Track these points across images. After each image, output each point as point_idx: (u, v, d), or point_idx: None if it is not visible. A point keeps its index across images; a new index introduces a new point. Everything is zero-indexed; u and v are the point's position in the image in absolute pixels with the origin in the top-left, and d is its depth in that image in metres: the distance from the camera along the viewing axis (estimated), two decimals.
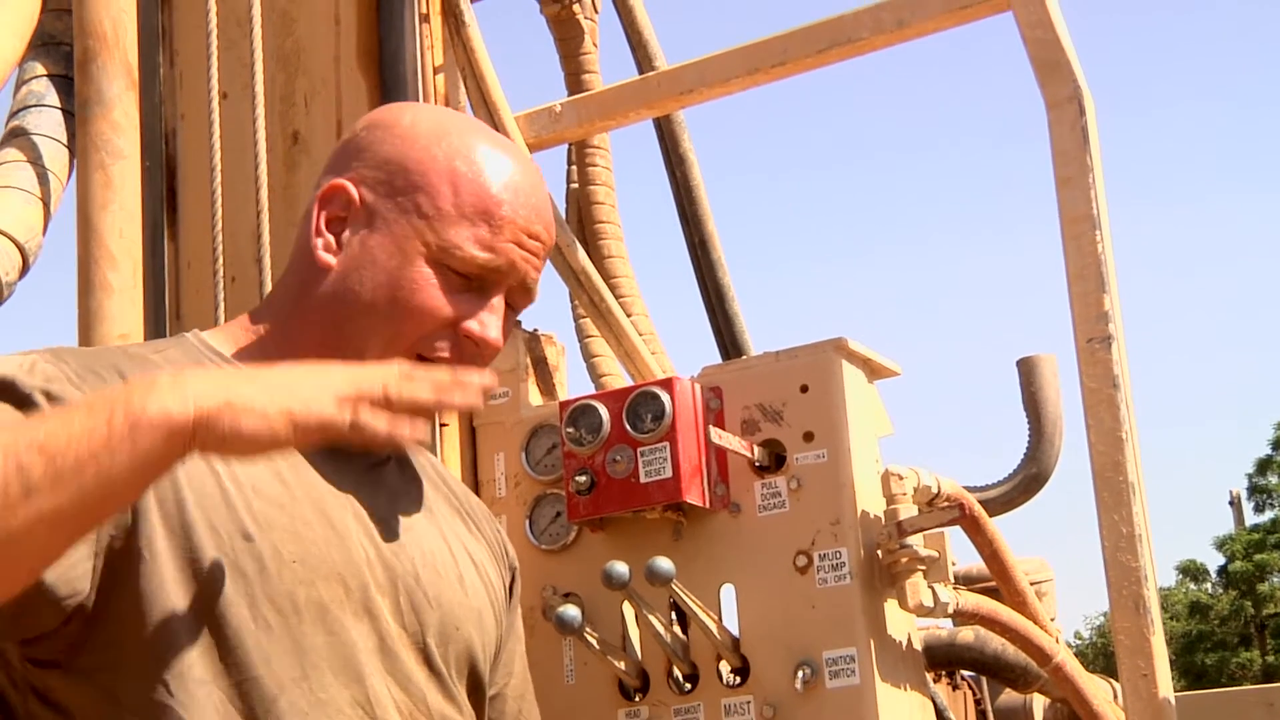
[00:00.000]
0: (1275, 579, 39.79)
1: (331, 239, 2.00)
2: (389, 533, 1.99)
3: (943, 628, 3.95)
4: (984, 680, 4.25)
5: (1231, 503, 39.13)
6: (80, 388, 1.80)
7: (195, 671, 1.80)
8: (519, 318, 2.20)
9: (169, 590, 1.80)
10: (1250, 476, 40.68)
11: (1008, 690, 4.24)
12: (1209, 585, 42.17)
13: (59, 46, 3.20)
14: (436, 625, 2.01)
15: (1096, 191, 2.62)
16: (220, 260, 2.85)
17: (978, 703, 4.32)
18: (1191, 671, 37.75)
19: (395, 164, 1.99)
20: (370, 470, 2.05)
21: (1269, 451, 40.50)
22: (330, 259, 1.99)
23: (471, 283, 1.96)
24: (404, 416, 1.71)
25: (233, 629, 1.82)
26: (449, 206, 1.94)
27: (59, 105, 3.15)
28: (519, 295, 2.03)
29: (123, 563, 1.79)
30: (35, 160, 3.05)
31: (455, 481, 2.30)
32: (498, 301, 1.99)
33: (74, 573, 1.76)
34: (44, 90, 3.16)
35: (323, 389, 1.67)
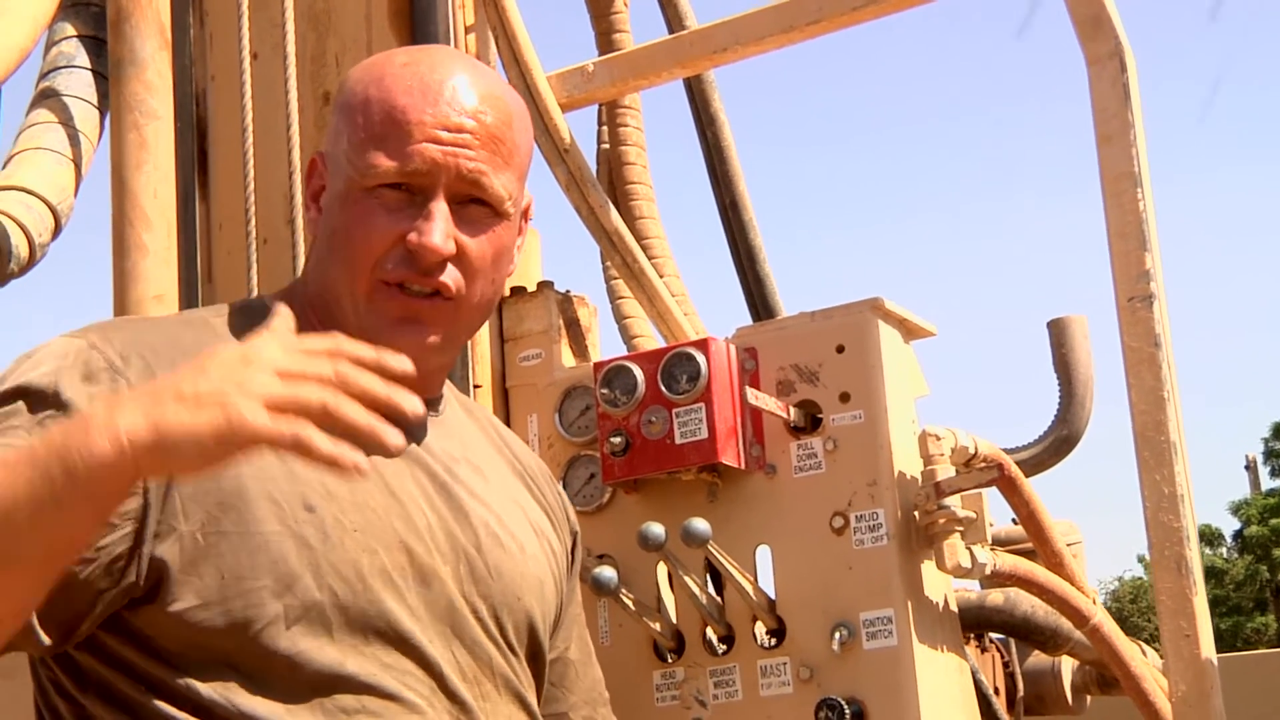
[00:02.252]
0: None
1: (315, 210, 2.02)
2: (450, 499, 1.99)
3: (971, 590, 3.94)
4: (1012, 643, 4.23)
5: (1247, 467, 39.07)
6: (124, 373, 1.80)
7: (261, 641, 1.80)
8: (516, 215, 2.07)
9: (226, 565, 1.80)
10: (1266, 441, 40.56)
11: (1036, 653, 4.22)
12: (1224, 550, 42.13)
13: (88, 7, 3.18)
14: (497, 595, 2.00)
15: (1138, 149, 2.60)
16: (253, 222, 2.84)
17: (1005, 665, 4.30)
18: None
19: (335, 116, 2.01)
20: (432, 433, 2.03)
21: None
22: (314, 228, 2.03)
23: (413, 196, 1.93)
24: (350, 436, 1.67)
25: (298, 599, 1.82)
26: (363, 134, 1.93)
27: (89, 66, 3.13)
28: (468, 189, 1.95)
29: (169, 547, 1.79)
30: (66, 121, 3.03)
31: (516, 441, 2.28)
32: (437, 206, 1.92)
33: (107, 576, 1.76)
34: (74, 51, 3.14)
35: (253, 399, 1.63)
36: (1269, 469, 40.35)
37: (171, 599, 1.80)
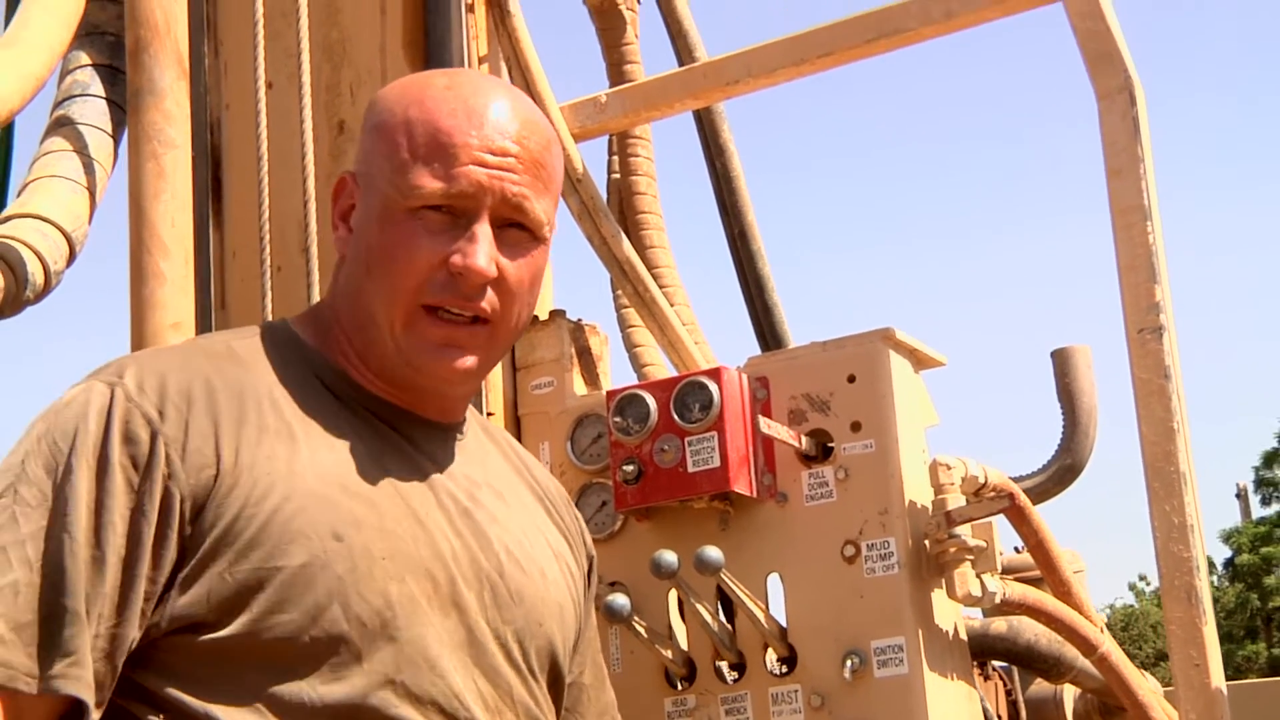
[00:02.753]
0: None
1: (344, 230, 2.01)
2: (473, 525, 2.00)
3: (974, 618, 3.96)
4: (1015, 671, 4.25)
5: (1238, 495, 39.09)
6: (162, 430, 1.82)
7: (284, 675, 1.81)
8: (543, 243, 2.10)
9: (254, 601, 1.81)
10: (1257, 469, 40.59)
11: (1038, 681, 4.24)
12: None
13: (103, 36, 3.21)
14: (520, 621, 2.01)
15: (1147, 182, 2.62)
16: (268, 250, 2.86)
17: (1008, 693, 4.32)
18: None
19: (367, 137, 2.01)
20: (455, 459, 2.05)
21: (1276, 445, 40.46)
22: (344, 248, 2.01)
23: (456, 219, 1.93)
24: None
25: (325, 630, 1.83)
26: (406, 154, 1.93)
27: (103, 95, 3.15)
28: (510, 213, 1.96)
29: (198, 590, 1.81)
30: (81, 150, 3.05)
31: (535, 464, 2.29)
32: (481, 229, 1.92)
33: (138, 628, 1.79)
34: (89, 80, 3.16)
35: None
36: (1259, 497, 40.41)
37: (197, 633, 1.82)
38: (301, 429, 1.89)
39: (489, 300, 1.94)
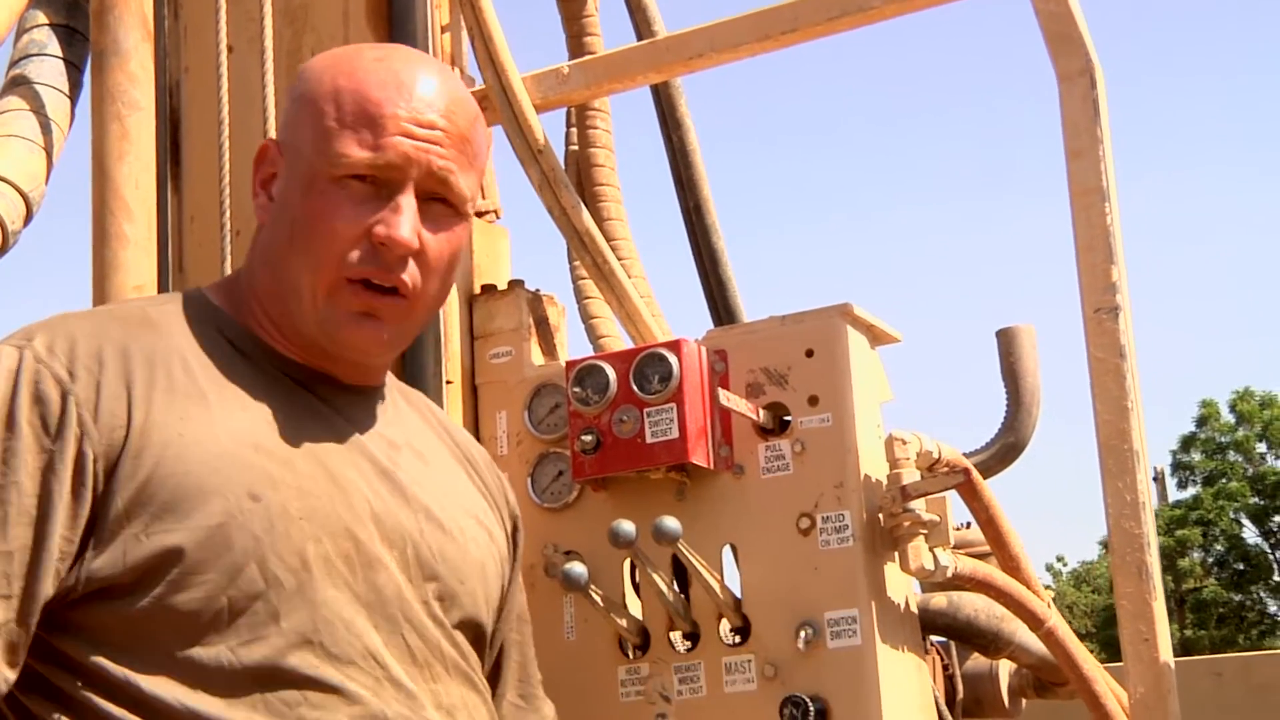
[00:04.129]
0: (1195, 555, 40.29)
1: (265, 197, 2.04)
2: (392, 485, 2.02)
3: (914, 593, 4.00)
4: (953, 646, 4.29)
5: (1155, 479, 39.58)
6: (73, 390, 1.82)
7: (202, 636, 1.82)
8: (479, 214, 2.16)
9: (171, 562, 1.82)
10: (1174, 453, 41.17)
11: (975, 656, 4.28)
12: None
13: None
14: (442, 579, 2.03)
15: (1106, 164, 2.66)
16: (227, 214, 2.85)
17: (945, 668, 4.36)
18: (1112, 644, 38.18)
19: (293, 105, 2.03)
20: (372, 421, 2.06)
21: (1192, 429, 41.00)
22: (264, 215, 2.05)
23: (379, 190, 1.96)
24: None
25: (242, 590, 1.83)
26: (332, 122, 1.96)
27: (60, 54, 3.14)
28: (435, 186, 1.99)
29: (114, 551, 1.81)
30: (38, 109, 3.03)
31: (456, 428, 2.32)
32: (405, 199, 1.95)
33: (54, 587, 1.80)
34: (45, 39, 3.14)
35: None
36: (1175, 481, 40.95)
37: (114, 597, 1.82)
38: (215, 391, 1.91)
39: (409, 273, 1.97)
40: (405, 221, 1.95)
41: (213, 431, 1.86)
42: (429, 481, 2.09)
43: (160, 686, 1.80)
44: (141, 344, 1.90)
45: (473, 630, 2.11)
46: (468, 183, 2.02)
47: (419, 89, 1.99)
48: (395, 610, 1.96)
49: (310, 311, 1.97)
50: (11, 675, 1.79)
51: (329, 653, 1.88)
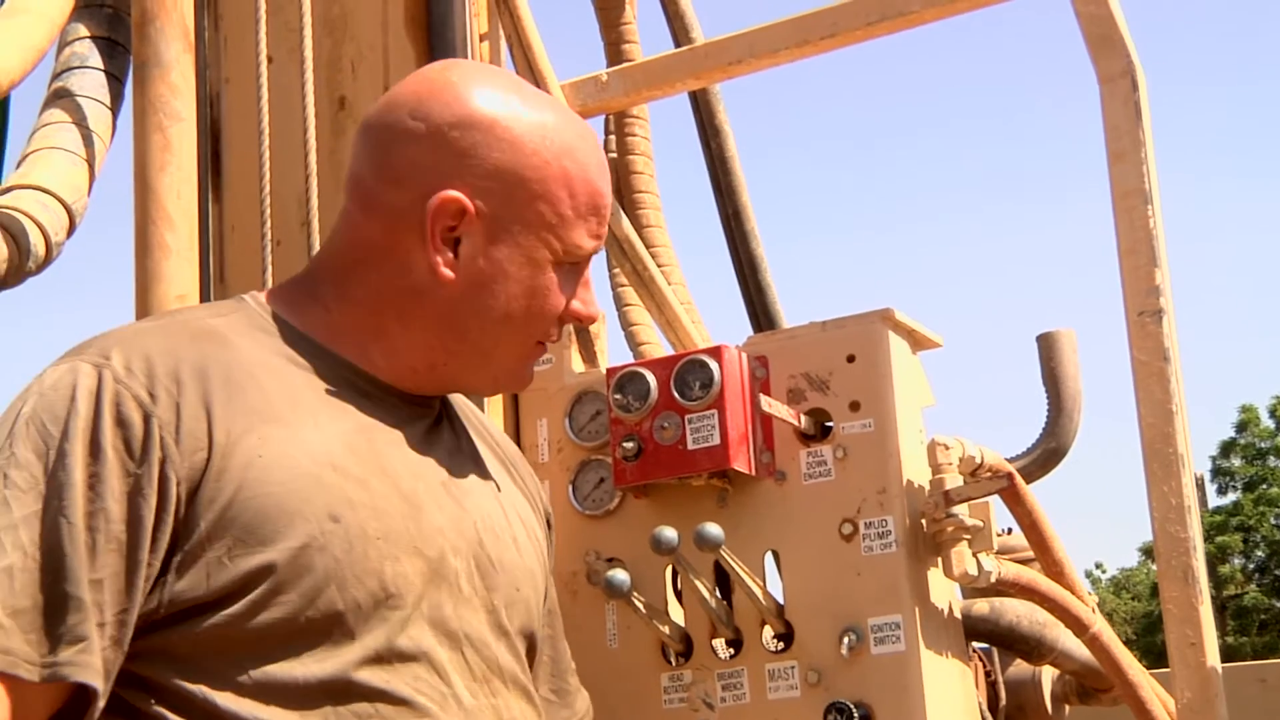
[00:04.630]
0: (1235, 561, 40.08)
1: (450, 253, 2.00)
2: (454, 498, 2.03)
3: (958, 599, 3.99)
4: (995, 652, 4.27)
5: (1196, 484, 39.35)
6: (155, 412, 1.82)
7: (277, 654, 1.82)
8: None
9: (251, 581, 1.82)
10: (1214, 459, 40.98)
11: (1017, 662, 4.27)
12: None
13: (101, 8, 3.20)
14: (502, 589, 2.05)
15: (1148, 166, 2.65)
16: (268, 224, 2.87)
17: (988, 674, 4.35)
18: (1153, 651, 38.02)
19: (510, 174, 1.99)
20: (429, 430, 2.08)
21: (1233, 434, 40.79)
22: (450, 273, 2.00)
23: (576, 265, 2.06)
24: None
25: (320, 611, 1.84)
26: (569, 211, 2.01)
27: (102, 67, 3.15)
28: None
29: (195, 575, 1.81)
30: (80, 121, 3.05)
31: (494, 428, 2.34)
32: (589, 275, 2.08)
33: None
34: (87, 52, 3.16)
35: None
36: (1216, 487, 40.75)
37: (192, 618, 1.82)
38: (288, 409, 1.90)
39: None
40: (594, 298, 2.11)
41: (290, 451, 1.87)
42: (482, 490, 2.11)
43: (233, 702, 1.80)
44: (216, 361, 1.89)
45: (527, 639, 2.12)
46: None
47: (606, 168, 2.10)
48: (457, 627, 1.97)
49: (493, 370, 2.07)
50: (101, 702, 1.79)
51: (399, 668, 1.89)
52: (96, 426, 1.79)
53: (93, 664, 1.75)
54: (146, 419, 1.81)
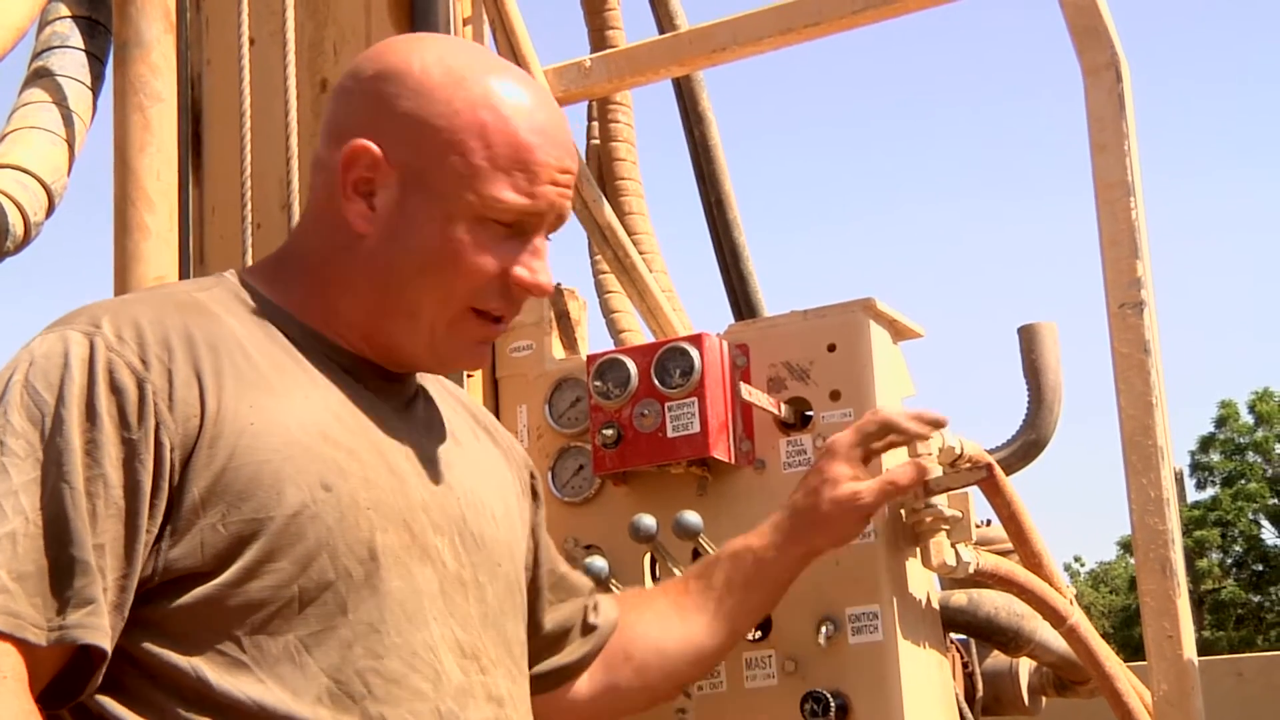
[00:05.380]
0: (1213, 555, 40.19)
1: (363, 204, 1.98)
2: (435, 473, 2.02)
3: (936, 590, 4.00)
4: (972, 644, 4.27)
5: (1175, 479, 39.49)
6: (148, 378, 1.81)
7: (270, 626, 1.82)
8: None
9: (245, 551, 1.81)
10: (1192, 454, 41.06)
11: (994, 654, 4.27)
12: None
13: None
14: (484, 563, 2.04)
15: (1131, 158, 2.65)
16: (249, 206, 2.86)
17: (965, 666, 4.35)
18: (1130, 645, 38.11)
19: (419, 121, 1.95)
20: (407, 405, 2.07)
21: (1211, 429, 40.89)
22: (365, 225, 1.98)
23: (512, 228, 1.97)
24: None
25: (313, 580, 1.83)
26: (483, 161, 1.93)
27: (82, 46, 3.13)
28: (555, 225, 2.05)
29: (189, 542, 1.81)
30: (60, 101, 3.03)
31: (466, 396, 2.32)
32: (540, 243, 1.99)
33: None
34: (67, 31, 3.13)
35: None
36: (1194, 481, 40.83)
37: (188, 588, 1.82)
38: (277, 380, 1.90)
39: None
40: (546, 268, 2.00)
41: (282, 420, 1.86)
42: (463, 463, 2.10)
43: (224, 676, 1.80)
44: (203, 331, 1.89)
45: (510, 614, 2.12)
46: None
47: (558, 132, 2.02)
48: (446, 601, 1.96)
49: (425, 336, 1.99)
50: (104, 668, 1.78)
51: (393, 645, 1.88)
52: (91, 393, 1.78)
53: (101, 625, 1.74)
54: (140, 385, 1.80)
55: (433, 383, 2.21)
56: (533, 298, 2.04)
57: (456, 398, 2.26)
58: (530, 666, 2.21)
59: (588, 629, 2.36)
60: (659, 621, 2.42)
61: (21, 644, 1.71)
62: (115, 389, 1.80)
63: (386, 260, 1.97)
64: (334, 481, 1.87)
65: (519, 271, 1.97)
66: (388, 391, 2.04)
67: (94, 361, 1.80)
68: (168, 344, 1.85)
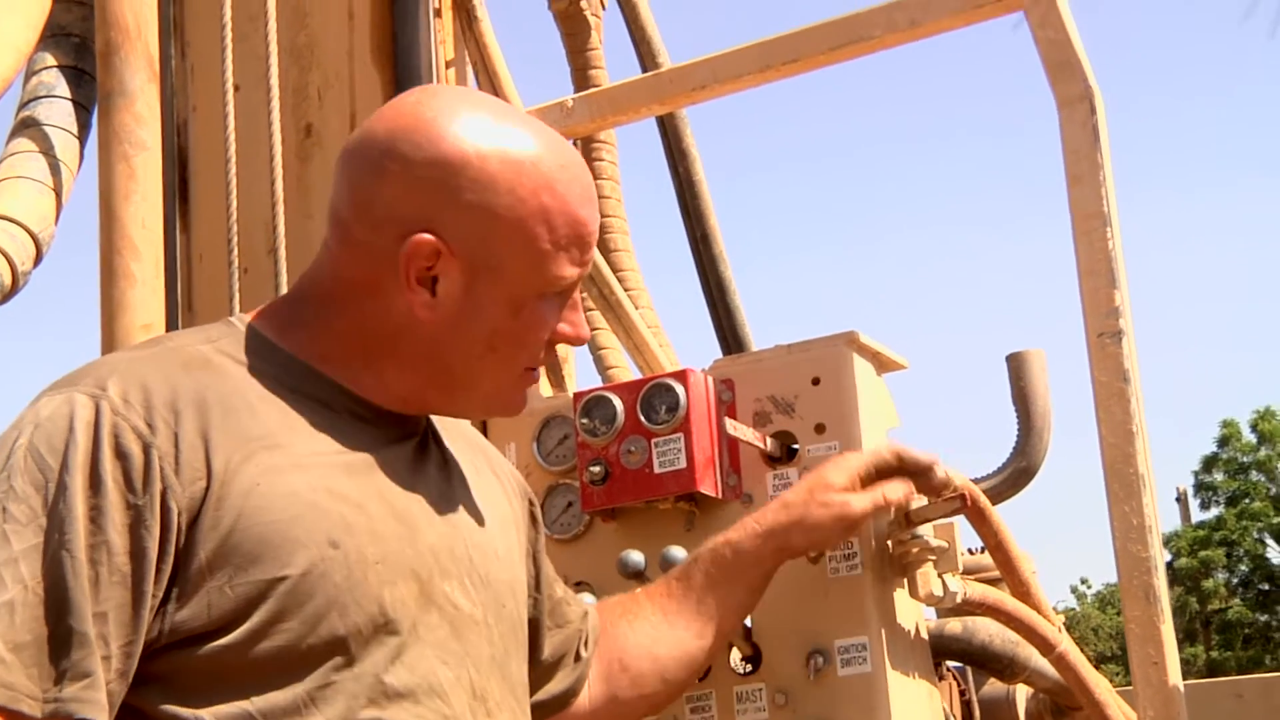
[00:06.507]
0: (1219, 575, 40.11)
1: (426, 294, 1.97)
2: (444, 515, 2.02)
3: (929, 619, 4.01)
4: (969, 671, 4.28)
5: (1178, 500, 39.45)
6: (154, 443, 1.81)
7: (278, 682, 1.83)
8: None
9: (254, 612, 1.82)
10: (1196, 474, 40.99)
11: (991, 681, 4.28)
12: None
13: (69, 38, 3.22)
14: (490, 603, 2.05)
15: (1107, 189, 2.67)
16: (235, 252, 2.88)
17: (962, 693, 4.36)
18: None
19: (485, 214, 1.96)
20: (418, 448, 2.07)
21: (1215, 449, 40.84)
22: (428, 313, 1.98)
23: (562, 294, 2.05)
24: None
25: (322, 638, 1.84)
26: (548, 246, 1.97)
27: (69, 96, 3.17)
28: None
29: (196, 604, 1.81)
30: (47, 151, 3.06)
31: (463, 425, 2.30)
32: (578, 298, 2.06)
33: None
34: (54, 81, 3.17)
35: None
36: (1199, 502, 40.77)
37: (196, 647, 1.82)
38: (284, 434, 1.90)
39: None
40: (583, 320, 2.07)
41: (289, 478, 1.86)
42: (469, 502, 2.10)
43: None
44: (211, 389, 1.88)
45: (515, 653, 2.13)
46: None
47: (592, 191, 2.07)
48: (455, 645, 1.96)
49: (483, 398, 2.06)
50: None
51: (399, 694, 1.88)
52: (96, 458, 1.78)
53: (97, 700, 1.73)
54: (146, 450, 1.79)
55: (434, 420, 2.22)
56: (573, 346, 2.13)
57: (458, 429, 2.26)
58: (529, 695, 2.23)
59: (579, 658, 2.38)
60: (648, 628, 2.44)
61: (16, 716, 1.71)
62: (120, 454, 1.79)
63: (452, 344, 1.99)
64: (341, 538, 1.87)
65: (564, 329, 2.03)
66: (400, 435, 2.05)
67: (99, 426, 1.79)
68: (174, 406, 1.84)
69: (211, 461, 1.82)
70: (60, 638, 1.73)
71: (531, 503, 2.34)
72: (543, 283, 1.97)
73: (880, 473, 2.55)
